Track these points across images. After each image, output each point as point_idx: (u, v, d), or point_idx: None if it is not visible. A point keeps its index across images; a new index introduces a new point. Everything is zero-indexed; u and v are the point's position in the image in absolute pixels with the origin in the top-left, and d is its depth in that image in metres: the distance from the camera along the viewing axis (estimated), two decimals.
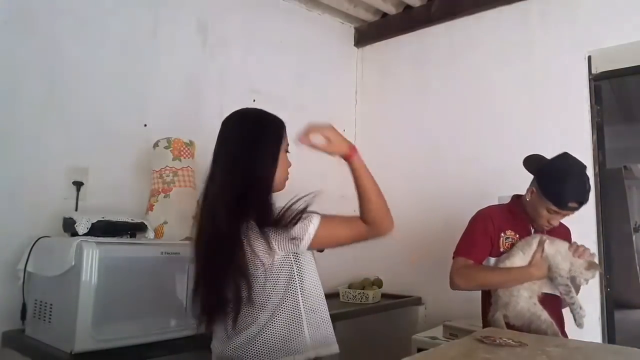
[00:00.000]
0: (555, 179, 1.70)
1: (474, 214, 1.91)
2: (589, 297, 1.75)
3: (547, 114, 2.53)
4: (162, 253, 1.65)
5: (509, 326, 1.65)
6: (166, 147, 1.99)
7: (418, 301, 2.87)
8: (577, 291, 1.72)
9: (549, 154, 1.81)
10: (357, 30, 3.43)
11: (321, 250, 3.20)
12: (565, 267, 1.66)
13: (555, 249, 1.69)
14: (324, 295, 1.42)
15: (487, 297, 1.81)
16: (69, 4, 2.01)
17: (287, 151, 1.44)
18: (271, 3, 2.89)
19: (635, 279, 6.35)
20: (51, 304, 1.57)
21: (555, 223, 1.75)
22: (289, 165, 1.46)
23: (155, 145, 2.02)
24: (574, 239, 1.87)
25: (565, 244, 1.71)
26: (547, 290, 1.72)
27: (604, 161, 2.43)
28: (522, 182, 1.87)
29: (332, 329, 1.41)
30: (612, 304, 2.34)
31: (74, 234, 1.63)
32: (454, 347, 1.38)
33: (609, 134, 2.54)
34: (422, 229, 2.90)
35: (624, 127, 5.39)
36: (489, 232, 1.80)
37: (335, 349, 1.37)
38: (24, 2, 1.89)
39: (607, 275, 2.35)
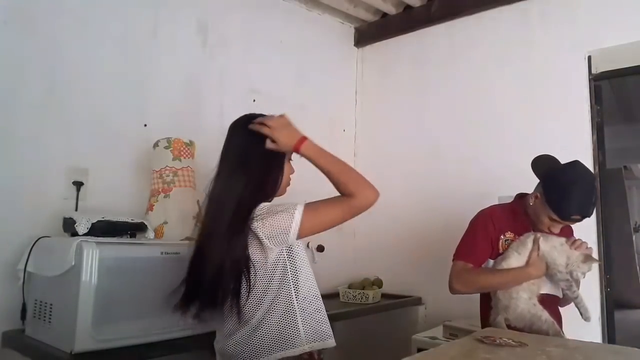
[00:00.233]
0: (561, 189, 1.66)
1: (474, 213, 1.90)
2: (589, 297, 1.75)
3: (547, 114, 2.53)
4: (162, 253, 1.65)
5: (511, 328, 1.65)
6: (166, 147, 1.99)
7: (418, 301, 2.87)
8: (578, 286, 1.71)
9: (549, 154, 1.81)
10: (357, 30, 3.43)
11: (321, 250, 3.22)
12: (562, 261, 1.65)
13: (550, 245, 1.68)
14: (318, 291, 1.45)
15: (486, 300, 1.81)
16: (69, 4, 2.01)
17: (290, 159, 1.47)
18: (271, 3, 2.89)
19: (635, 279, 6.35)
20: (51, 304, 1.57)
21: (555, 231, 1.74)
22: (292, 171, 1.48)
23: (155, 145, 2.02)
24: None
25: (560, 239, 1.70)
26: (546, 290, 1.72)
27: (604, 161, 2.43)
28: (522, 182, 1.87)
29: (328, 323, 1.43)
30: (612, 304, 2.34)
31: (74, 234, 1.63)
32: (454, 347, 1.38)
33: (609, 134, 2.54)
34: (422, 228, 2.90)
35: (624, 127, 5.39)
36: (490, 235, 1.79)
37: (330, 343, 1.39)
38: (24, 2, 1.89)
39: (607, 275, 2.35)
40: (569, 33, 2.51)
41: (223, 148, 1.42)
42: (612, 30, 2.38)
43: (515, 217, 1.83)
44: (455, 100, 2.91)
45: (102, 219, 1.67)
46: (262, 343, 1.30)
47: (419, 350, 2.05)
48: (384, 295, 2.82)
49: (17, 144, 1.84)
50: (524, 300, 1.66)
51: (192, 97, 2.43)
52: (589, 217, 1.68)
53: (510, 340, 1.35)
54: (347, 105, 3.38)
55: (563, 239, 1.71)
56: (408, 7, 3.14)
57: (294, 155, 1.45)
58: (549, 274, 1.68)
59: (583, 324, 1.68)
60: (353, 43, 3.44)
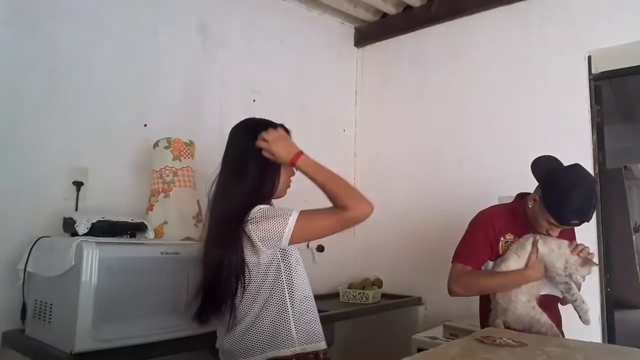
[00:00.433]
0: (560, 194, 1.63)
1: (474, 213, 1.89)
2: (589, 297, 1.75)
3: (547, 114, 2.52)
4: (162, 253, 1.65)
5: None
6: (166, 147, 1.99)
7: (418, 301, 2.87)
8: (578, 289, 1.71)
9: (550, 154, 1.80)
10: (357, 30, 3.43)
11: (321, 250, 3.22)
12: (561, 264, 1.65)
13: (548, 247, 1.68)
14: (311, 292, 1.48)
15: (486, 302, 1.81)
16: (69, 4, 2.01)
17: None
18: (271, 3, 2.89)
19: (635, 279, 6.35)
20: (51, 304, 1.57)
21: (554, 234, 1.73)
22: (292, 174, 1.51)
23: (155, 145, 2.02)
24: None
25: (559, 241, 1.69)
26: (545, 291, 1.72)
27: (604, 161, 2.43)
28: (522, 182, 1.87)
29: (320, 326, 1.47)
30: (612, 304, 2.34)
31: (74, 234, 1.62)
32: (454, 347, 1.38)
33: (609, 134, 2.54)
34: (422, 228, 2.90)
35: (624, 127, 5.38)
36: (489, 237, 1.79)
37: (322, 345, 1.43)
38: (24, 2, 1.89)
39: (607, 275, 2.35)
40: (569, 33, 2.51)
41: (224, 152, 1.47)
42: (612, 30, 2.38)
43: (515, 218, 1.82)
44: (455, 100, 2.91)
45: (102, 219, 1.67)
46: (255, 341, 1.35)
47: (419, 350, 2.05)
48: (384, 295, 2.82)
49: (17, 144, 1.84)
50: (522, 303, 1.66)
51: (192, 97, 2.43)
52: (588, 222, 1.66)
53: (510, 340, 1.35)
54: (347, 105, 3.38)
55: (562, 242, 1.70)
56: (408, 7, 3.14)
57: None
58: (548, 276, 1.68)
59: (583, 324, 1.68)
60: (353, 43, 3.44)
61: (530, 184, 1.82)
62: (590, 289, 2.21)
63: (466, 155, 2.80)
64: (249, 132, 1.46)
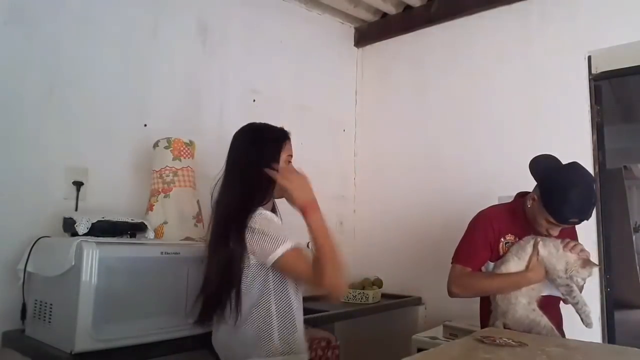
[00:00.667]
0: (558, 192, 1.62)
1: (474, 213, 1.89)
2: (589, 297, 1.74)
3: (547, 114, 2.53)
4: (162, 253, 1.65)
5: None
6: (166, 147, 1.99)
7: (418, 301, 2.87)
8: (580, 291, 1.69)
9: (548, 154, 1.80)
10: (357, 30, 3.43)
11: None
12: (562, 266, 1.64)
13: (549, 250, 1.67)
14: (300, 304, 1.50)
15: (486, 304, 1.80)
16: (69, 4, 2.01)
17: (289, 161, 1.53)
18: (271, 3, 2.89)
19: (635, 279, 6.36)
20: (51, 304, 1.57)
21: (553, 234, 1.71)
22: None
23: (155, 145, 2.02)
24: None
25: (559, 243, 1.68)
26: (546, 292, 1.71)
27: (604, 161, 2.43)
28: (522, 182, 1.86)
29: (303, 338, 1.50)
30: (612, 304, 2.34)
31: (74, 234, 1.62)
32: (454, 347, 1.38)
33: (609, 134, 2.54)
34: (422, 228, 2.90)
35: (624, 127, 5.39)
36: (489, 238, 1.78)
37: (304, 358, 1.46)
38: (24, 2, 1.89)
39: (607, 275, 2.35)
40: (569, 33, 2.51)
41: (227, 156, 1.52)
42: (612, 30, 2.38)
43: (515, 217, 1.81)
44: (455, 100, 2.91)
45: (102, 219, 1.67)
46: (239, 346, 1.40)
47: (419, 350, 2.05)
48: (384, 295, 2.82)
49: (18, 144, 1.84)
50: (522, 305, 1.65)
51: (192, 97, 2.43)
52: (588, 220, 1.66)
53: (510, 340, 1.35)
54: (347, 105, 3.38)
55: (559, 242, 1.69)
56: (408, 7, 3.14)
57: (295, 157, 1.54)
58: (549, 278, 1.67)
59: (585, 327, 1.67)
60: (353, 43, 3.43)
61: (530, 184, 1.82)
62: (590, 289, 2.21)
63: (466, 155, 2.80)
64: (248, 135, 1.52)
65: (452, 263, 1.82)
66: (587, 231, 2.28)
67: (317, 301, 2.66)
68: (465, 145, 2.82)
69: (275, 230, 1.38)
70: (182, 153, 2.00)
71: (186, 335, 1.65)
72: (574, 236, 1.88)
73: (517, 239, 1.78)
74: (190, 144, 2.06)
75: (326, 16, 3.23)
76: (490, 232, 1.78)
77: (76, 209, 1.91)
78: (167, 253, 1.66)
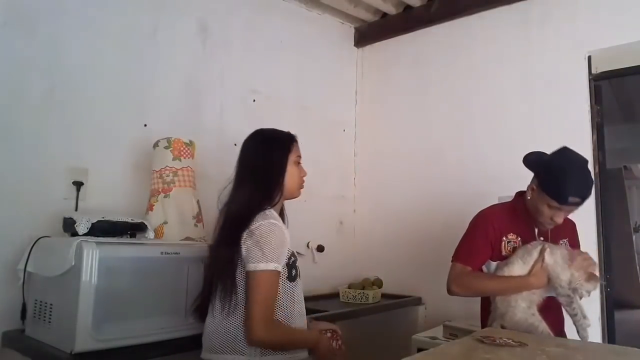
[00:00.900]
0: (555, 174, 1.65)
1: (474, 213, 1.89)
2: (590, 297, 1.74)
3: (547, 114, 2.53)
4: (162, 253, 1.65)
5: None
6: (166, 147, 1.99)
7: (418, 301, 2.87)
8: (580, 297, 1.68)
9: (539, 151, 1.80)
10: (357, 30, 3.43)
11: (321, 250, 3.22)
12: (566, 277, 1.63)
13: (555, 259, 1.65)
14: (297, 301, 1.53)
15: (487, 304, 1.80)
16: (69, 4, 2.01)
17: (298, 162, 1.59)
18: (271, 3, 2.89)
19: (636, 279, 6.36)
20: (51, 304, 1.57)
21: (558, 220, 1.69)
22: (304, 174, 1.61)
23: (155, 145, 2.02)
24: None
25: (566, 254, 1.67)
26: (549, 294, 1.69)
27: (604, 161, 2.43)
28: (522, 182, 1.86)
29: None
30: (612, 304, 2.34)
31: (74, 234, 1.63)
32: (454, 347, 1.38)
33: (609, 134, 2.54)
34: (422, 228, 2.90)
35: (624, 127, 5.39)
36: (489, 237, 1.78)
37: (301, 356, 1.49)
38: (24, 2, 1.89)
39: (607, 275, 2.35)
40: (569, 33, 2.51)
41: (237, 162, 1.58)
42: (612, 30, 2.38)
43: (516, 216, 1.81)
44: (455, 100, 2.91)
45: (102, 219, 1.67)
46: (219, 339, 1.43)
47: (419, 350, 2.05)
48: (384, 295, 2.82)
49: (18, 144, 1.84)
50: (522, 309, 1.65)
51: (192, 97, 2.43)
52: (588, 197, 1.64)
53: (510, 340, 1.35)
54: (347, 105, 3.38)
55: (570, 254, 1.67)
56: (408, 7, 3.14)
57: (303, 159, 1.61)
58: (551, 286, 1.66)
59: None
60: (353, 43, 3.43)
61: None
62: None
63: (466, 155, 2.80)
64: (257, 140, 1.59)
65: (452, 261, 1.82)
66: (587, 231, 2.29)
67: (316, 301, 2.67)
68: (465, 145, 2.82)
69: (271, 244, 1.41)
70: (182, 153, 2.00)
71: (186, 335, 1.65)
72: (574, 235, 1.88)
73: (519, 238, 1.78)
74: (190, 144, 2.06)
75: (326, 16, 3.23)
76: (491, 231, 1.78)
77: (76, 209, 1.91)
78: (167, 253, 1.66)
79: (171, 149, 1.98)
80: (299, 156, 1.59)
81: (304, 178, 1.62)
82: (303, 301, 1.58)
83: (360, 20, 3.34)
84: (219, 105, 2.54)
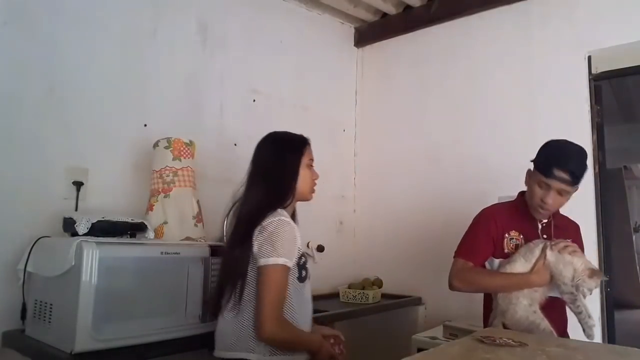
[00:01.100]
0: (546, 150, 1.74)
1: (474, 213, 1.89)
2: (589, 297, 1.74)
3: (547, 114, 2.52)
4: (162, 253, 1.65)
5: None
6: (166, 147, 1.99)
7: (418, 301, 2.87)
8: (585, 297, 1.66)
9: None
10: (357, 30, 3.43)
11: (321, 250, 3.22)
12: (569, 274, 1.62)
13: (557, 256, 1.65)
14: (305, 302, 1.55)
15: (489, 303, 1.80)
16: (69, 4, 2.01)
17: (310, 165, 1.61)
18: (271, 3, 2.89)
19: (636, 279, 6.36)
20: (51, 304, 1.57)
21: (548, 201, 1.68)
22: (315, 177, 1.63)
23: (155, 145, 2.02)
24: None
25: (570, 249, 1.66)
26: (553, 294, 1.69)
27: (604, 161, 2.43)
28: (522, 182, 1.86)
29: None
30: (612, 304, 2.34)
31: (74, 234, 1.63)
32: (454, 347, 1.38)
33: (609, 134, 2.54)
34: (422, 228, 2.90)
35: (624, 127, 5.39)
36: (491, 233, 1.79)
37: (300, 358, 1.50)
38: (24, 2, 1.89)
39: (607, 275, 2.35)
40: (569, 33, 2.51)
41: (250, 164, 1.59)
42: (612, 30, 2.38)
43: (518, 214, 1.82)
44: (455, 100, 2.91)
45: (102, 219, 1.67)
46: (229, 337, 1.45)
47: (419, 350, 2.05)
48: (384, 295, 2.82)
49: (17, 144, 1.84)
50: (523, 306, 1.65)
51: (192, 97, 2.43)
52: (578, 174, 1.64)
53: (510, 340, 1.35)
54: (347, 105, 3.38)
55: (574, 253, 1.66)
56: (408, 7, 3.14)
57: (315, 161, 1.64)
58: (554, 284, 1.66)
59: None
60: (353, 43, 3.43)
61: None
62: None
63: (466, 155, 2.80)
64: (271, 143, 1.61)
65: (454, 257, 1.83)
66: (587, 231, 2.28)
67: (316, 301, 2.67)
68: (465, 145, 2.82)
69: (281, 239, 1.42)
70: (182, 153, 2.00)
71: (186, 335, 1.65)
72: (578, 238, 1.88)
73: (522, 236, 1.78)
74: (190, 144, 2.06)
75: (326, 16, 3.23)
76: (493, 227, 1.79)
77: (76, 209, 1.91)
78: (167, 253, 1.66)
79: (171, 149, 1.98)
80: (312, 159, 1.62)
81: (316, 181, 1.63)
82: (311, 302, 1.59)
83: (360, 20, 3.34)
84: (219, 105, 2.54)
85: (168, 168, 1.96)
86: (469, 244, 1.82)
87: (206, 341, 1.58)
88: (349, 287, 2.76)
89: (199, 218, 1.98)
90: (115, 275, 1.51)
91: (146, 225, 1.79)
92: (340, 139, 3.28)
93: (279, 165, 1.55)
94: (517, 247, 1.77)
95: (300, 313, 1.51)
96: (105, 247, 1.50)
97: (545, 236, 1.78)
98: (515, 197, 1.90)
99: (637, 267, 6.49)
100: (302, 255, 1.53)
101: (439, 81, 3.00)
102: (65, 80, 1.98)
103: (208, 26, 2.52)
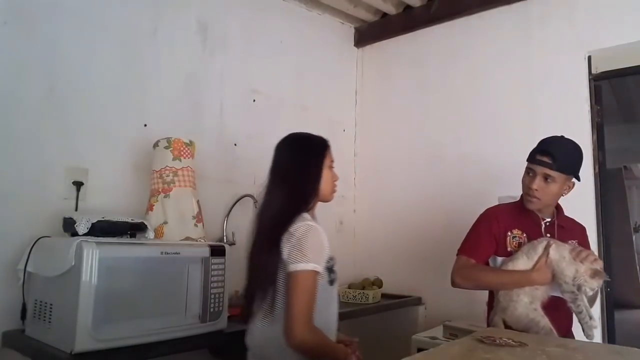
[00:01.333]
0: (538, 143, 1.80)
1: (474, 213, 1.91)
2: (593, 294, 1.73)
3: (547, 114, 2.52)
4: (162, 253, 1.65)
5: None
6: (166, 147, 1.99)
7: (418, 301, 2.87)
8: (592, 302, 1.68)
9: None
10: (357, 30, 3.43)
11: None
12: (570, 273, 1.62)
13: (560, 254, 1.65)
14: (333, 307, 1.56)
15: (493, 302, 1.80)
16: (69, 4, 2.01)
17: (331, 167, 1.61)
18: (271, 3, 2.89)
19: (636, 279, 6.36)
20: (51, 304, 1.57)
21: (533, 186, 1.74)
22: (336, 178, 1.64)
23: (155, 145, 2.02)
24: None
25: (571, 249, 1.67)
26: (556, 293, 1.69)
27: (604, 161, 2.43)
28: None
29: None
30: (612, 304, 2.34)
31: (74, 234, 1.63)
32: (454, 347, 1.38)
33: (609, 134, 2.54)
34: (422, 228, 2.90)
35: (624, 127, 5.39)
36: (494, 231, 1.80)
37: None
38: (24, 2, 1.89)
39: (607, 275, 2.34)
40: (569, 33, 2.51)
41: (270, 166, 1.59)
42: (612, 30, 2.38)
43: (521, 213, 1.83)
44: (455, 100, 2.91)
45: (102, 219, 1.67)
46: (268, 343, 1.45)
47: (419, 350, 2.05)
48: (384, 295, 2.82)
49: (17, 144, 1.84)
50: (523, 304, 1.65)
51: (192, 97, 2.43)
52: (553, 156, 1.71)
53: (510, 340, 1.35)
54: (347, 105, 3.38)
55: (572, 249, 1.67)
56: (408, 7, 3.14)
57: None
58: (555, 283, 1.65)
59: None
60: (353, 43, 3.43)
61: None
62: None
63: (466, 155, 2.80)
64: (292, 145, 1.60)
65: (457, 254, 1.84)
66: (588, 231, 2.28)
67: None
68: (465, 145, 2.82)
69: (309, 245, 1.43)
70: (182, 153, 2.00)
71: (186, 335, 1.65)
72: (584, 239, 1.88)
73: (525, 234, 1.79)
74: (190, 144, 2.06)
75: (326, 16, 3.23)
76: (495, 225, 1.81)
77: (76, 209, 1.91)
78: (167, 253, 1.65)
79: (171, 149, 1.98)
80: (332, 161, 1.62)
81: (336, 182, 1.64)
82: (337, 302, 1.60)
83: (360, 20, 3.34)
84: (219, 105, 2.54)
85: (168, 168, 1.96)
86: (472, 241, 1.84)
87: (206, 341, 1.58)
88: (349, 287, 2.76)
89: (199, 218, 1.98)
90: (115, 275, 1.51)
91: (146, 225, 1.79)
92: (340, 139, 3.28)
93: (302, 168, 1.55)
94: (520, 245, 1.78)
95: (329, 312, 1.53)
96: (105, 247, 1.50)
97: (549, 235, 1.78)
98: (519, 198, 1.91)
99: (637, 267, 6.50)
100: (331, 258, 1.53)
101: (439, 81, 3.00)
102: (65, 80, 1.98)
103: (208, 26, 2.52)
